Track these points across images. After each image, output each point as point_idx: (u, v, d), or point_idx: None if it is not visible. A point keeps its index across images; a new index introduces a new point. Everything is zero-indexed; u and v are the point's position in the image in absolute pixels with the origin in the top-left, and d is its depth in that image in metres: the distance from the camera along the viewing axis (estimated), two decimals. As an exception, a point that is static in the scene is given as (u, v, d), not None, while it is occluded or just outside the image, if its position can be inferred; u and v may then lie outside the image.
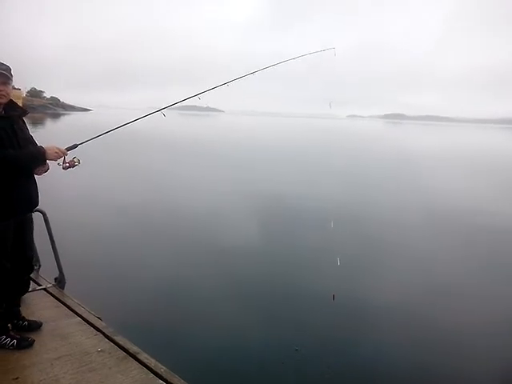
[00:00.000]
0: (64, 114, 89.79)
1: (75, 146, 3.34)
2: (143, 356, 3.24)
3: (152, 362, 3.16)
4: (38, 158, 3.13)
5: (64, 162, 3.27)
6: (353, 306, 5.77)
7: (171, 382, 2.94)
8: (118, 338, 3.45)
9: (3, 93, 3.01)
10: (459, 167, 25.64)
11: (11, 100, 3.14)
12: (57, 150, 3.17)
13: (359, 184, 16.85)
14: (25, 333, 3.42)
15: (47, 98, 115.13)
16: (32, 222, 3.51)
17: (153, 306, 5.50)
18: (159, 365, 3.14)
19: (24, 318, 3.58)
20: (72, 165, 3.30)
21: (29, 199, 3.25)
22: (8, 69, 3.04)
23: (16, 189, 3.08)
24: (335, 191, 14.86)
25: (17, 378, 2.92)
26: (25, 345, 3.28)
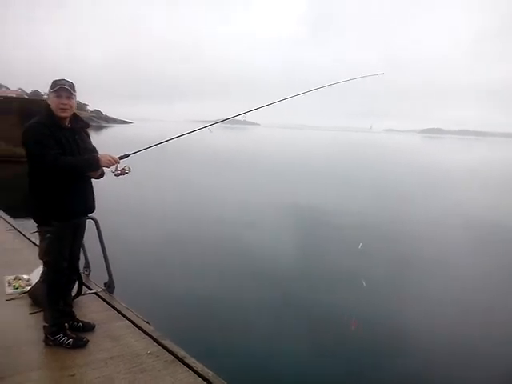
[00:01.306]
0: (106, 127, 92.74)
1: (127, 156, 3.57)
2: (190, 360, 3.36)
3: (199, 367, 3.28)
4: (92, 164, 3.34)
5: (116, 169, 3.49)
6: (382, 328, 5.70)
7: (217, 385, 3.05)
8: (165, 342, 3.60)
9: (67, 106, 3.26)
10: (499, 183, 24.91)
11: (75, 113, 3.40)
12: (110, 158, 3.37)
13: (395, 199, 16.65)
14: (79, 333, 3.63)
15: (91, 111, 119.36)
16: (85, 227, 3.75)
17: (196, 313, 5.69)
18: (206, 369, 3.25)
19: (78, 319, 3.79)
20: (123, 172, 3.52)
21: (85, 204, 3.49)
22: (72, 85, 3.30)
23: (75, 193, 3.33)
24: (371, 206, 14.74)
25: (73, 375, 3.11)
26: (80, 344, 3.48)
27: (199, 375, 3.17)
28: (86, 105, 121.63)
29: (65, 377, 3.09)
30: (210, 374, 3.19)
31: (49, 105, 3.29)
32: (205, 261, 7.98)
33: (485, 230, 12.16)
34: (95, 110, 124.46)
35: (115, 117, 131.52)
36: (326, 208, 13.90)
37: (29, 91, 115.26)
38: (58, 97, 3.23)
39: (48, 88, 3.29)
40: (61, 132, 3.25)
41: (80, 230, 3.64)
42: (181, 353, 3.45)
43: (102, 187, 3.78)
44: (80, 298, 4.24)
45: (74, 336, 3.52)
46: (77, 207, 3.42)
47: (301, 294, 6.78)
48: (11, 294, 4.42)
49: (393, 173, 27.20)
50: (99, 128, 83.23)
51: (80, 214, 3.52)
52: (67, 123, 3.35)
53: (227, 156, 31.34)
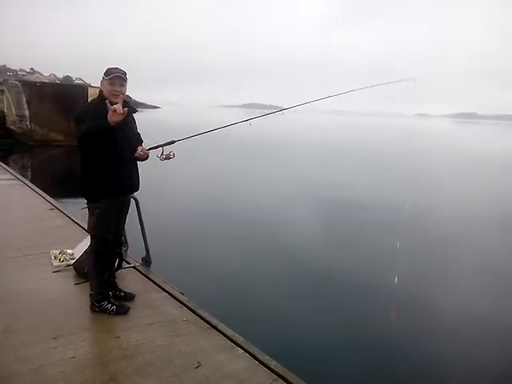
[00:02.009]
0: (135, 111, 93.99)
1: (173, 142, 3.86)
2: (222, 326, 3.67)
3: (230, 332, 3.59)
4: (103, 123, 3.27)
5: (162, 154, 3.80)
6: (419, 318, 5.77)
7: (248, 349, 3.34)
8: (199, 311, 3.92)
9: (119, 93, 3.55)
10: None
11: (124, 99, 3.67)
12: (112, 111, 3.26)
13: (428, 188, 16.38)
14: (122, 301, 3.98)
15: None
16: (129, 204, 4.09)
17: (227, 286, 6.05)
18: (237, 335, 3.56)
19: (120, 289, 4.14)
20: (168, 157, 3.83)
21: (131, 183, 3.82)
22: (124, 73, 3.58)
23: (121, 173, 3.64)
24: (402, 194, 14.56)
25: (118, 337, 3.46)
26: (123, 311, 3.82)
27: (230, 339, 3.48)
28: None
29: (111, 338, 3.44)
30: (240, 339, 3.49)
31: (101, 91, 3.58)
32: (238, 241, 8.33)
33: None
34: (125, 95, 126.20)
35: (144, 102, 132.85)
36: (361, 196, 13.73)
37: (60, 76, 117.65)
38: (112, 84, 3.50)
39: (102, 75, 3.55)
40: None
41: (125, 207, 3.96)
42: (214, 320, 3.77)
43: (145, 170, 4.06)
44: (120, 271, 4.58)
45: (117, 303, 3.87)
46: (123, 185, 3.75)
47: (333, 281, 6.85)
48: (57, 267, 4.79)
49: (425, 159, 26.85)
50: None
51: (125, 191, 3.85)
52: None
53: (263, 143, 31.48)
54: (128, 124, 3.68)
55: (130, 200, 4.07)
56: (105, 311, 3.79)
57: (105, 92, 3.54)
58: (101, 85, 3.61)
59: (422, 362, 4.68)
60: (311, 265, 7.26)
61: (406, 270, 6.63)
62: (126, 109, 3.33)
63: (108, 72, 3.54)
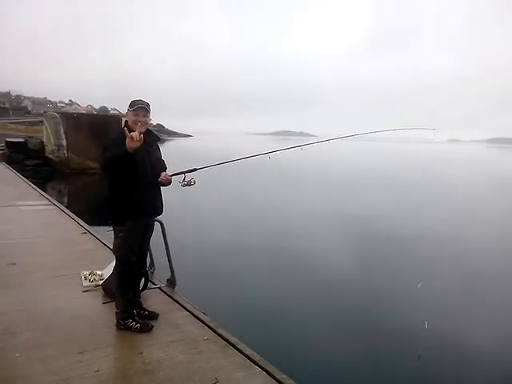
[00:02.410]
0: (168, 140, 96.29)
1: (194, 170, 4.06)
2: (241, 346, 3.77)
3: (248, 351, 3.68)
4: (118, 147, 3.48)
5: (183, 180, 4.00)
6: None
7: (265, 367, 3.42)
8: (220, 330, 4.02)
9: (143, 123, 3.80)
10: None
11: (148, 128, 3.94)
12: (129, 139, 3.44)
13: (463, 213, 16.06)
14: (146, 320, 4.13)
15: (154, 125, 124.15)
16: (153, 227, 4.27)
17: (249, 307, 6.16)
18: (255, 353, 3.64)
19: (145, 308, 4.30)
20: (189, 184, 4.04)
21: (154, 207, 4.02)
22: (148, 104, 3.85)
23: (145, 197, 3.85)
24: (435, 219, 14.31)
25: (141, 353, 3.60)
26: (146, 329, 3.97)
27: (248, 358, 3.56)
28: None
29: (134, 354, 3.58)
30: (257, 357, 3.57)
31: (126, 121, 3.83)
32: (261, 264, 8.47)
33: None
34: (158, 123, 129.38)
35: (176, 130, 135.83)
36: (390, 221, 13.68)
37: (97, 107, 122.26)
38: (136, 115, 3.77)
39: (127, 107, 3.82)
40: None
41: (149, 230, 4.15)
42: (233, 339, 3.86)
43: (172, 195, 4.27)
44: (146, 291, 4.75)
45: (141, 322, 4.02)
46: (146, 209, 3.94)
47: (360, 303, 6.88)
48: (87, 287, 5.01)
49: (459, 184, 26.42)
50: (161, 141, 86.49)
51: (149, 214, 4.04)
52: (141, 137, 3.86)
53: (286, 168, 31.72)
54: (151, 151, 3.93)
55: (153, 223, 4.26)
56: (129, 329, 3.95)
57: (130, 122, 3.79)
58: (127, 116, 3.88)
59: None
60: (335, 287, 7.32)
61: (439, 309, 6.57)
62: (141, 135, 3.48)
63: (132, 104, 3.80)
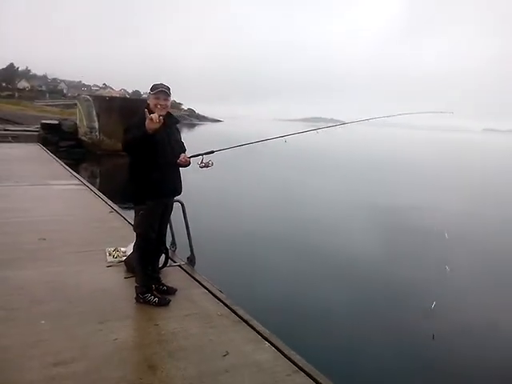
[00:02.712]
0: (198, 124, 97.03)
1: (212, 152, 4.17)
2: (253, 322, 3.90)
3: (260, 327, 3.81)
4: (139, 128, 3.64)
5: (201, 162, 4.12)
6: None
7: (275, 343, 3.54)
8: (234, 307, 4.17)
9: (164, 106, 3.93)
10: None
11: (168, 111, 4.05)
12: (150, 119, 3.57)
13: (493, 207, 15.65)
14: (164, 295, 4.31)
15: (184, 110, 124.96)
16: (172, 207, 4.43)
17: (264, 289, 6.32)
18: (266, 330, 3.77)
19: (164, 284, 4.48)
20: (207, 165, 4.15)
21: (174, 187, 4.17)
22: (168, 88, 3.97)
23: (165, 178, 3.99)
24: (468, 212, 14.00)
25: (157, 325, 3.78)
26: (164, 303, 4.15)
27: (258, 333, 3.69)
28: (180, 104, 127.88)
29: (151, 325, 3.77)
30: (268, 333, 3.70)
31: (148, 104, 3.95)
32: (280, 247, 8.67)
33: None
34: (189, 108, 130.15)
35: (207, 115, 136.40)
36: (417, 211, 13.42)
37: (130, 91, 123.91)
38: (157, 98, 3.90)
39: (148, 90, 3.97)
40: None
41: (168, 209, 4.31)
42: (246, 316, 4.00)
43: (194, 177, 4.41)
44: (166, 268, 4.95)
45: (159, 296, 4.20)
46: (165, 189, 4.09)
47: (375, 289, 6.95)
48: (110, 262, 5.24)
49: (493, 175, 25.81)
50: (192, 125, 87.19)
51: (169, 194, 4.20)
52: (161, 119, 3.98)
53: (313, 154, 31.55)
54: (170, 133, 4.06)
55: (173, 203, 4.41)
56: (148, 302, 4.13)
57: (151, 105, 3.91)
58: (148, 99, 4.01)
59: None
60: (350, 271, 7.38)
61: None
62: (160, 117, 3.60)
63: (153, 87, 3.93)
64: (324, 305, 6.12)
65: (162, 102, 3.92)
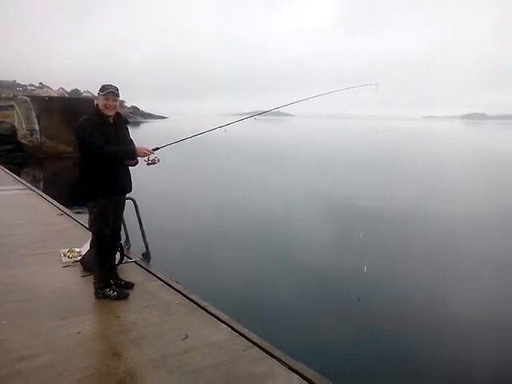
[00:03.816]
0: (143, 122, 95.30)
1: (157, 149, 4.36)
2: (210, 308, 4.16)
3: (217, 312, 4.07)
4: (128, 153, 4.19)
5: (148, 159, 4.30)
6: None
7: (231, 325, 3.83)
8: (191, 296, 4.41)
9: (113, 106, 4.10)
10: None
11: (117, 112, 4.23)
12: (145, 150, 4.20)
13: (435, 189, 16.53)
14: (122, 289, 4.48)
15: (128, 107, 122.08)
16: (124, 204, 4.60)
17: (218, 275, 6.73)
18: (222, 313, 4.04)
19: (121, 279, 4.64)
20: (153, 162, 4.33)
21: (123, 185, 4.34)
22: (117, 89, 4.13)
23: (115, 176, 4.17)
24: (409, 196, 14.66)
25: (119, 317, 3.97)
26: (122, 296, 4.33)
27: (216, 317, 3.96)
28: (123, 101, 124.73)
29: (112, 318, 3.96)
30: (225, 316, 3.97)
31: (97, 104, 4.11)
32: (230, 237, 9.07)
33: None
34: (132, 106, 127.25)
35: (152, 112, 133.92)
36: (363, 199, 13.87)
37: (69, 90, 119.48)
38: (106, 99, 4.05)
39: (97, 90, 4.10)
40: (105, 126, 4.09)
41: (120, 206, 4.47)
42: (203, 302, 4.26)
43: (146, 175, 4.59)
44: (123, 265, 5.11)
45: (117, 290, 4.38)
46: (117, 187, 4.26)
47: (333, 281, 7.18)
48: (66, 263, 5.32)
49: (434, 160, 27.27)
50: (137, 123, 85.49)
51: (119, 192, 4.35)
52: (111, 120, 4.17)
53: (263, 147, 32.08)
54: (120, 133, 4.24)
55: (124, 200, 4.57)
56: (107, 297, 4.29)
57: (100, 106, 4.07)
58: (97, 99, 4.15)
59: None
60: (299, 257, 7.83)
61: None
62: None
63: (103, 88, 4.07)
64: (274, 288, 6.52)
65: (112, 103, 4.08)
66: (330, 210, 12.54)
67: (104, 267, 4.37)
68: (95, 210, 4.20)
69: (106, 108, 4.06)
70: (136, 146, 4.30)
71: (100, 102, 4.08)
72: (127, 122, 4.45)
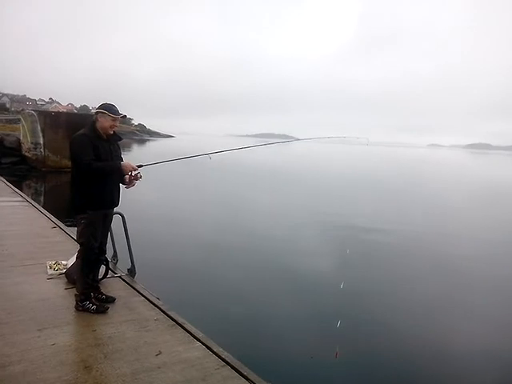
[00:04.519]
0: (149, 140, 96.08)
1: (141, 166, 4.46)
2: (187, 325, 4.19)
3: (193, 329, 4.10)
4: (114, 170, 4.29)
5: (131, 175, 4.40)
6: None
7: (205, 343, 3.85)
8: (170, 312, 4.44)
9: (117, 128, 4.34)
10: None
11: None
12: (130, 168, 4.31)
13: (441, 216, 16.58)
14: (103, 303, 4.51)
15: (135, 125, 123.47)
16: (111, 217, 4.68)
17: (201, 292, 6.86)
18: (198, 331, 4.07)
19: (103, 293, 4.68)
20: (135, 178, 4.44)
21: (112, 199, 4.44)
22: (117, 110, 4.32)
23: (103, 190, 4.27)
24: (417, 222, 14.68)
25: (95, 330, 4.00)
26: (101, 310, 4.36)
27: (192, 335, 3.99)
28: (130, 119, 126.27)
29: (89, 331, 3.98)
30: (200, 334, 4.00)
31: (96, 120, 4.25)
32: (216, 255, 9.25)
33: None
34: (139, 123, 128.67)
35: (158, 131, 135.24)
36: (367, 223, 14.01)
37: (78, 106, 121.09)
38: (114, 120, 4.25)
39: (99, 108, 4.28)
40: (100, 142, 4.23)
41: (107, 220, 4.55)
42: (180, 319, 4.29)
43: (139, 192, 4.71)
44: (107, 279, 5.16)
45: (97, 304, 4.41)
46: (105, 200, 4.35)
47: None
48: (51, 275, 5.36)
49: (439, 188, 27.35)
50: (142, 141, 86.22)
51: (107, 205, 4.44)
52: (105, 136, 4.32)
53: (269, 171, 32.28)
54: (113, 149, 4.38)
55: (112, 214, 4.66)
56: (87, 310, 4.33)
57: (105, 125, 4.24)
58: (100, 117, 4.25)
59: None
60: (281, 273, 7.98)
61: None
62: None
63: (113, 111, 4.26)
64: (254, 307, 6.61)
65: (117, 125, 4.32)
66: (321, 229, 12.63)
67: (87, 279, 4.42)
68: (83, 222, 4.28)
69: (111, 128, 4.27)
70: (123, 161, 4.41)
71: (106, 122, 4.24)
72: (120, 139, 4.59)
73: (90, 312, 4.31)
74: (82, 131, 4.27)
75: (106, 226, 4.58)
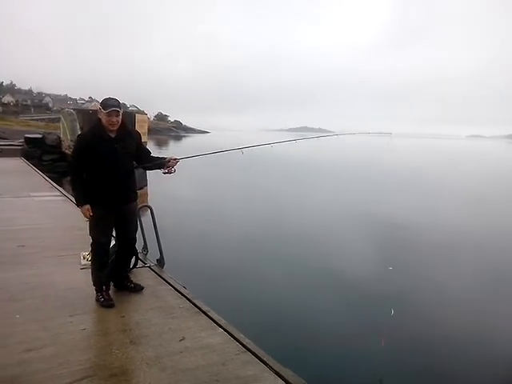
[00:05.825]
0: (185, 136, 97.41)
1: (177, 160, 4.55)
2: (211, 312, 4.31)
3: (216, 317, 4.21)
4: (76, 199, 4.40)
5: (165, 168, 4.50)
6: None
7: (227, 329, 3.96)
8: (195, 300, 4.57)
9: (115, 123, 4.14)
10: None
11: (123, 122, 4.24)
12: (86, 214, 4.29)
13: (483, 209, 16.15)
14: (131, 292, 4.69)
15: (171, 122, 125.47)
16: (130, 213, 4.52)
17: (229, 284, 7.02)
18: (221, 318, 4.19)
19: (132, 281, 4.86)
20: (169, 172, 4.54)
21: (118, 196, 4.30)
22: (119, 104, 4.16)
23: (106, 189, 4.21)
24: (455, 217, 14.38)
25: (123, 316, 4.18)
26: (106, 305, 4.35)
27: (215, 322, 4.10)
28: (166, 116, 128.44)
29: (117, 317, 4.16)
30: (223, 321, 4.11)
31: (99, 119, 4.17)
32: (246, 249, 9.39)
33: None
34: (175, 120, 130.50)
35: (194, 127, 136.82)
36: (407, 218, 13.75)
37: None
38: (109, 115, 4.06)
39: (99, 105, 4.17)
40: (99, 142, 4.12)
41: (125, 215, 4.43)
42: (205, 307, 4.41)
43: (173, 186, 4.86)
44: (137, 269, 5.36)
45: (106, 297, 4.44)
46: (107, 198, 4.25)
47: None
48: (84, 265, 5.59)
49: (481, 180, 26.60)
50: (178, 137, 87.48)
51: (112, 204, 4.29)
52: (112, 134, 4.19)
53: (306, 164, 32.17)
54: (119, 147, 4.20)
55: (132, 209, 4.56)
56: (97, 301, 4.42)
57: (103, 121, 4.12)
58: (99, 114, 4.14)
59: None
60: (309, 267, 8.06)
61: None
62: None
63: (105, 105, 4.06)
64: (278, 297, 6.74)
65: (114, 120, 4.09)
66: (356, 225, 12.52)
67: (99, 272, 4.46)
68: (91, 218, 4.31)
69: (110, 124, 4.09)
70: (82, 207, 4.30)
71: (103, 119, 4.09)
72: (129, 135, 4.37)
73: (99, 304, 4.38)
74: (85, 130, 4.28)
75: (126, 222, 4.48)
